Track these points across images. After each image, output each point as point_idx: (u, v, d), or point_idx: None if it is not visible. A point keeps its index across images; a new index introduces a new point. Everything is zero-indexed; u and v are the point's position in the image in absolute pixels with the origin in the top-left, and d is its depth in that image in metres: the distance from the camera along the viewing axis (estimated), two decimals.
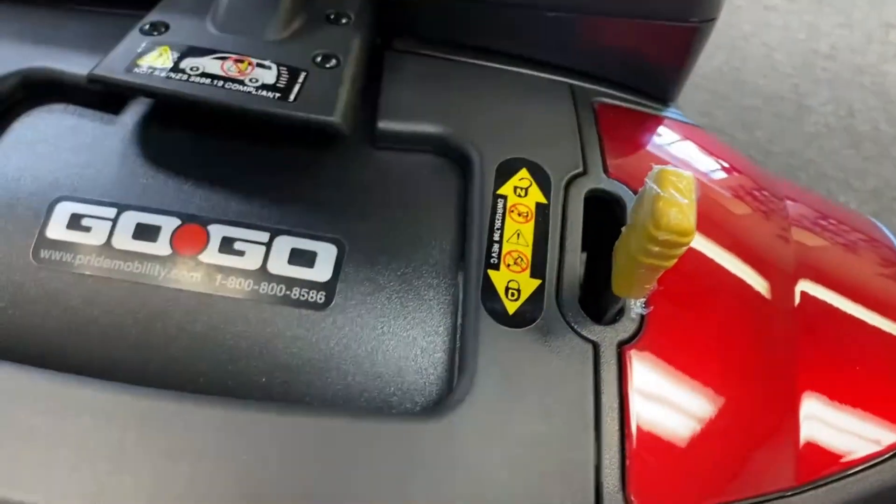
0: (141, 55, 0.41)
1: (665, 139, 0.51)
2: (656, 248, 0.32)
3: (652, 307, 0.38)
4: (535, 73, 0.51)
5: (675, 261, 0.33)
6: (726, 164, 0.52)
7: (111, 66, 0.40)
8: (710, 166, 0.51)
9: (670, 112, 0.55)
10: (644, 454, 0.36)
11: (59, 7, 0.49)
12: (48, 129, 0.43)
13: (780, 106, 1.28)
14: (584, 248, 0.41)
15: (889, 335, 0.44)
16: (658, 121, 0.52)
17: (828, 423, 0.40)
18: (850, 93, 1.31)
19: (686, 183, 0.31)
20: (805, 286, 0.45)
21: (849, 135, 1.24)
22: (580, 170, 0.44)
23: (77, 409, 0.33)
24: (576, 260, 0.40)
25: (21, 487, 0.32)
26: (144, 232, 0.39)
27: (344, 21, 0.46)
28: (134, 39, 0.42)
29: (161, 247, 0.39)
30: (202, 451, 0.33)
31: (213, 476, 0.33)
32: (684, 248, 0.32)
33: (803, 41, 1.41)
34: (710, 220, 0.45)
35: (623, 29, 0.50)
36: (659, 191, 0.31)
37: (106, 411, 0.33)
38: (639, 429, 0.36)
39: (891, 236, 0.52)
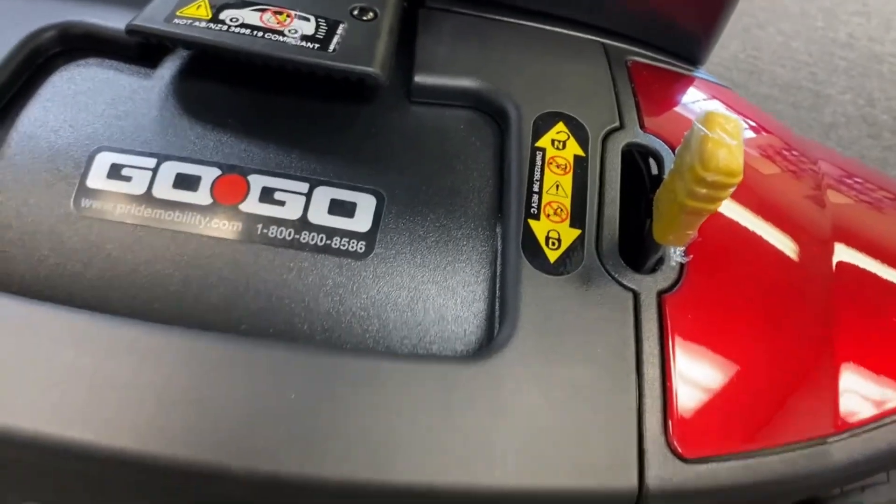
0: (180, 6, 0.41)
1: (698, 97, 0.51)
2: (704, 190, 0.32)
3: (691, 256, 0.38)
4: (569, 32, 0.51)
5: (721, 203, 0.33)
6: (759, 125, 0.52)
7: (151, 17, 0.41)
8: (745, 129, 0.51)
9: (701, 73, 0.55)
10: (685, 400, 0.35)
11: None
12: (86, 82, 0.43)
13: (798, 95, 1.27)
14: (622, 200, 0.41)
15: None
16: (691, 80, 0.52)
17: (865, 376, 0.40)
18: (869, 81, 1.31)
19: (734, 125, 0.31)
20: (840, 247, 0.45)
21: (868, 124, 1.23)
22: (617, 124, 0.44)
23: (121, 349, 0.34)
24: (615, 211, 0.40)
25: (72, 426, 0.32)
26: (185, 181, 0.39)
27: None
28: None
29: (202, 196, 0.39)
30: (250, 389, 0.33)
31: (261, 415, 0.33)
32: (732, 189, 0.32)
33: (821, 29, 1.41)
34: (746, 180, 0.45)
35: None
36: (708, 132, 0.31)
37: (149, 351, 0.34)
38: (680, 375, 0.36)
39: None
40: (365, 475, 0.32)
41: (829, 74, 1.32)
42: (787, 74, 1.31)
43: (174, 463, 0.32)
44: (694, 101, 0.50)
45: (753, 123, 0.52)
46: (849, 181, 0.51)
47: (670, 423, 0.35)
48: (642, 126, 0.44)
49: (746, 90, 1.28)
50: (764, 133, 0.52)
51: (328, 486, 0.32)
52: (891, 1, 1.48)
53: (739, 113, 0.52)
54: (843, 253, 0.44)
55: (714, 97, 0.52)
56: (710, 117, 0.31)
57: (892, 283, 0.45)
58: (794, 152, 0.50)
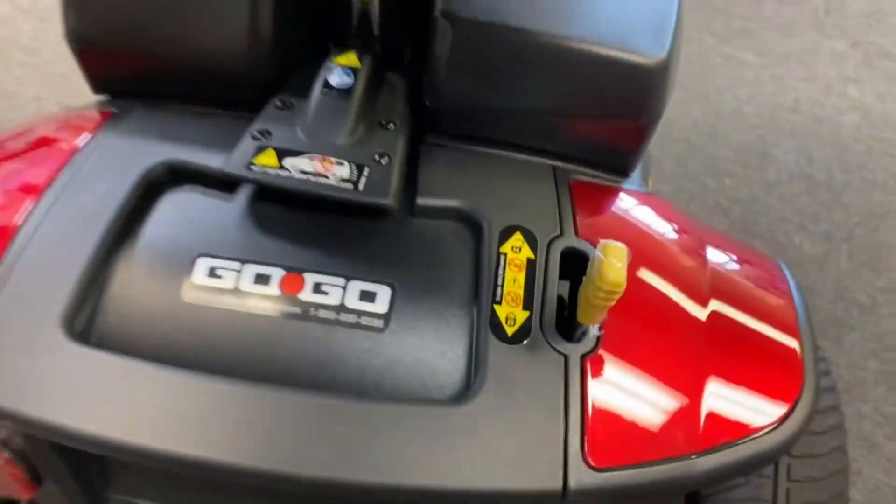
0: (255, 155, 0.60)
1: (621, 206, 0.70)
2: (602, 294, 0.50)
3: (603, 331, 0.57)
4: (529, 158, 0.70)
5: (615, 302, 0.51)
6: (666, 221, 0.71)
7: (236, 164, 0.59)
8: (653, 223, 0.70)
9: (629, 183, 0.74)
10: (596, 429, 0.54)
11: (188, 110, 0.68)
12: (186, 206, 0.62)
13: (748, 156, 1.46)
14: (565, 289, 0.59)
15: (772, 339, 0.62)
16: (618, 191, 0.71)
17: (726, 406, 0.58)
18: (810, 143, 1.50)
19: (621, 252, 0.50)
20: (714, 305, 0.63)
21: (807, 182, 1.43)
22: (558, 233, 0.62)
23: (218, 395, 0.52)
24: (553, 298, 0.58)
25: (190, 445, 0.50)
26: (260, 279, 0.58)
27: (391, 126, 0.65)
28: (247, 143, 0.61)
29: (272, 289, 0.57)
30: (298, 426, 0.51)
31: (309, 440, 0.51)
32: (619, 295, 0.50)
33: (771, 94, 1.61)
34: (649, 262, 0.64)
35: (592, 125, 0.69)
36: (602, 257, 0.50)
37: (239, 397, 0.52)
38: (593, 413, 0.54)
39: (786, 271, 0.70)
40: (380, 480, 0.50)
41: (776, 136, 1.51)
42: (740, 137, 1.51)
43: (251, 469, 0.50)
44: (618, 209, 0.69)
45: (662, 220, 0.71)
46: (724, 256, 0.69)
47: (586, 445, 0.53)
48: (576, 233, 0.63)
49: (704, 151, 1.48)
50: (667, 226, 0.70)
51: (359, 487, 0.50)
52: (832, 69, 1.68)
53: (652, 212, 0.71)
54: (715, 308, 0.62)
55: (637, 203, 0.71)
56: (606, 247, 0.50)
57: (751, 328, 0.63)
58: (688, 238, 0.69)
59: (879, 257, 1.31)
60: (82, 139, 0.66)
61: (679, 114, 1.54)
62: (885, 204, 1.40)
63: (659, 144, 1.47)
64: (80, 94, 1.32)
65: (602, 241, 0.51)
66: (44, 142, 0.67)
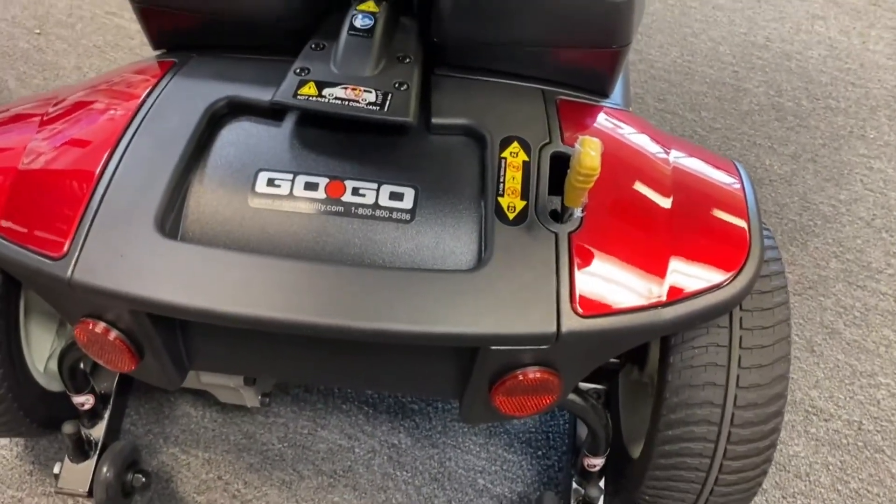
0: (298, 88, 0.74)
1: (600, 119, 0.84)
2: (580, 178, 0.65)
3: (585, 213, 0.71)
4: (521, 84, 0.84)
5: (592, 184, 0.66)
6: (636, 130, 0.85)
7: (284, 95, 0.73)
8: (626, 131, 0.84)
9: (608, 101, 0.88)
10: (582, 286, 0.68)
11: (237, 57, 0.82)
12: (245, 132, 0.76)
13: (722, 90, 1.60)
14: (551, 184, 0.74)
15: (724, 219, 0.77)
16: (598, 108, 0.85)
17: (687, 268, 0.72)
18: (780, 76, 1.63)
19: (595, 144, 0.64)
20: (676, 194, 0.77)
21: (776, 111, 1.56)
22: (547, 140, 0.77)
23: (278, 270, 0.67)
24: (545, 190, 0.73)
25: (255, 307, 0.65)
26: (309, 186, 0.72)
27: (407, 60, 0.79)
28: (291, 78, 0.75)
29: (319, 194, 0.72)
30: (347, 292, 0.66)
31: (347, 297, 0.66)
32: (594, 177, 0.65)
33: (743, 35, 1.73)
34: (621, 160, 0.78)
35: (571, 54, 0.83)
36: (580, 148, 0.64)
37: (297, 271, 0.67)
38: (578, 273, 0.69)
39: (739, 167, 0.84)
40: (415, 328, 0.65)
41: (748, 72, 1.65)
42: (715, 73, 1.64)
43: (311, 323, 0.65)
44: (596, 121, 0.84)
45: (633, 129, 0.85)
46: (686, 157, 0.83)
47: (574, 298, 0.68)
48: (563, 140, 0.77)
49: (682, 88, 1.61)
50: (638, 133, 0.84)
51: (396, 334, 0.65)
52: (801, 8, 1.81)
53: (625, 123, 0.85)
54: (678, 196, 0.77)
55: (612, 117, 0.85)
56: (583, 141, 0.64)
57: (706, 211, 0.78)
58: (654, 142, 0.83)
59: (843, 173, 1.45)
60: (152, 83, 0.80)
61: (659, 55, 1.67)
62: (847, 126, 1.53)
63: (641, 82, 1.60)
64: (113, 62, 1.46)
65: (580, 136, 0.65)
66: (121, 86, 0.81)
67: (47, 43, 1.52)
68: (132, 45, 0.80)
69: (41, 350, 0.97)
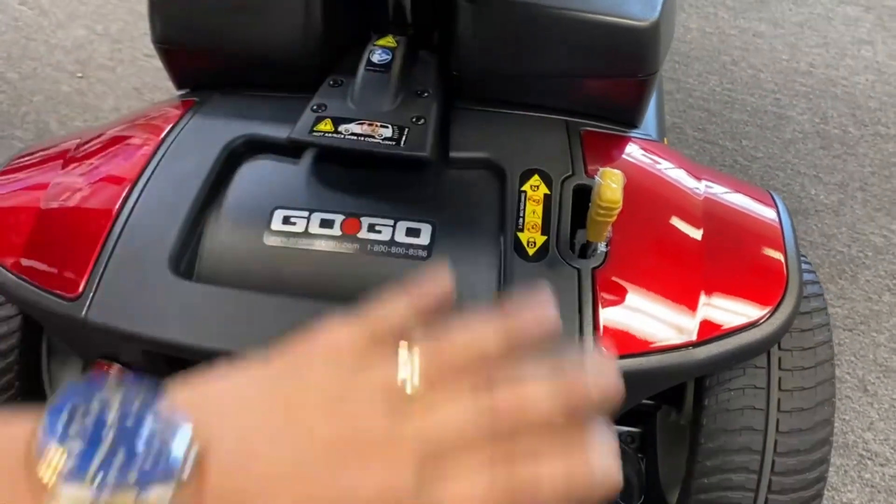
0: (315, 125, 0.73)
1: (627, 150, 0.81)
2: (601, 211, 0.62)
3: (609, 247, 0.68)
4: (543, 115, 0.82)
5: (614, 218, 0.63)
6: (664, 160, 0.82)
7: (300, 132, 0.72)
8: (654, 163, 0.81)
9: (637, 132, 0.85)
10: (606, 323, 0.65)
11: (257, 95, 0.82)
12: (262, 169, 0.76)
13: (764, 118, 1.55)
14: (576, 218, 0.71)
15: (759, 252, 0.73)
16: (625, 140, 0.82)
17: (720, 305, 0.68)
18: (825, 103, 1.58)
19: (617, 177, 0.62)
20: (708, 226, 0.73)
21: (821, 138, 1.51)
22: (570, 173, 0.74)
23: (298, 314, 0.65)
24: (567, 225, 0.70)
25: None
26: (325, 223, 0.71)
27: (426, 95, 0.77)
28: (308, 115, 0.74)
29: (335, 231, 0.70)
30: None
31: None
32: (616, 211, 0.62)
33: (786, 61, 1.69)
34: (648, 191, 0.75)
35: (595, 83, 0.81)
36: (600, 181, 0.61)
37: (311, 313, 0.65)
38: (603, 311, 0.66)
39: (775, 197, 0.80)
40: None
41: (790, 99, 1.60)
42: (756, 101, 1.60)
43: None
44: (625, 152, 0.81)
45: (661, 160, 0.82)
46: (719, 187, 0.80)
47: (598, 337, 0.64)
48: (586, 173, 0.74)
49: (722, 117, 1.57)
50: (666, 164, 0.81)
51: None
52: (847, 33, 1.75)
53: (652, 154, 0.82)
54: (710, 228, 0.73)
55: (640, 147, 0.82)
56: (604, 172, 0.62)
57: (740, 244, 0.74)
58: (685, 173, 0.80)
59: (894, 202, 1.38)
60: (172, 122, 0.80)
61: (697, 83, 1.63)
62: None
63: (679, 112, 1.56)
64: (150, 103, 1.48)
65: (601, 169, 0.62)
66: (142, 125, 0.82)
67: (88, 86, 1.56)
68: (169, 86, 0.81)
69: None
